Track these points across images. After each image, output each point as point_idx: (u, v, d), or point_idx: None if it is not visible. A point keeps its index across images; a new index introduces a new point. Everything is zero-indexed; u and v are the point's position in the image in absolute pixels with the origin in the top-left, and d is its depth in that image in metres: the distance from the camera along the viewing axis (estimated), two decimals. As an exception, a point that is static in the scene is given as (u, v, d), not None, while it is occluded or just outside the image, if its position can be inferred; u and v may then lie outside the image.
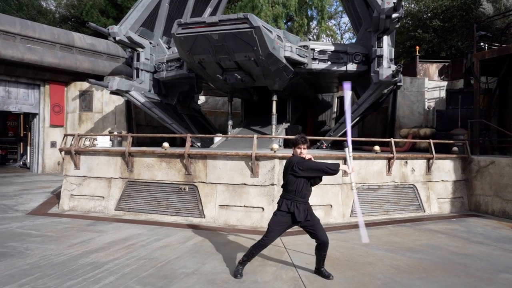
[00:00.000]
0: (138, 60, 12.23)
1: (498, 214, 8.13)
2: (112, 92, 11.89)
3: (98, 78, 14.47)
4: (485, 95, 11.39)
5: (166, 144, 7.98)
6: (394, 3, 8.96)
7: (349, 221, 7.39)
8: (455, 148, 9.07)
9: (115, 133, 11.72)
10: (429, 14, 19.50)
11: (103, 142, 10.56)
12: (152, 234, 6.18)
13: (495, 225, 7.37)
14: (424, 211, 8.23)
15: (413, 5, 21.16)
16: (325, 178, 7.30)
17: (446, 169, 8.70)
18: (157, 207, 7.59)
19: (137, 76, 12.19)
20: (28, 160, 16.82)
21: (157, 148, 8.28)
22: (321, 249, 4.21)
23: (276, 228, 4.15)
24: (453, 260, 5.07)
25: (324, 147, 11.46)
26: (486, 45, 11.10)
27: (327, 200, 7.26)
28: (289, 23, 27.59)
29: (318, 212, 7.18)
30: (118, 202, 7.91)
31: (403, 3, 9.35)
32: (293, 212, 4.08)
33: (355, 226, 7.06)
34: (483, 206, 8.48)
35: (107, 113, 15.27)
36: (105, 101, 15.24)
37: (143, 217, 7.49)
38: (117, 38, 11.33)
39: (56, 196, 9.33)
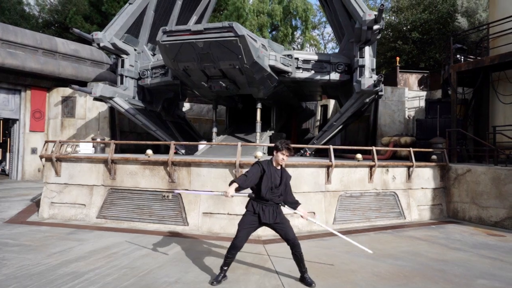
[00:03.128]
0: (122, 66, 12.16)
1: (475, 220, 8.39)
2: (96, 99, 11.76)
3: (81, 84, 14.28)
4: (462, 105, 11.81)
5: (149, 151, 7.94)
6: (375, 15, 9.25)
7: (332, 228, 7.47)
8: (434, 156, 9.34)
9: (98, 139, 11.56)
10: (408, 27, 20.15)
11: (85, 149, 10.40)
12: (134, 242, 6.10)
13: (472, 231, 7.60)
14: (405, 218, 8.41)
15: (393, 17, 21.83)
16: (309, 185, 7.44)
17: (425, 176, 8.94)
18: (140, 215, 7.51)
19: (121, 83, 12.11)
20: (7, 167, 16.35)
21: (140, 155, 8.22)
22: (295, 250, 4.26)
23: (244, 228, 4.19)
24: (432, 267, 5.20)
25: (307, 155, 11.60)
26: (462, 57, 11.56)
27: (310, 207, 7.34)
28: (274, 32, 27.94)
29: (301, 220, 7.26)
30: (100, 210, 7.79)
31: (383, 15, 9.65)
32: (258, 213, 4.16)
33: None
34: (461, 213, 8.74)
35: (90, 119, 15.05)
36: (88, 107, 15.02)
37: (126, 225, 7.39)
38: (101, 45, 11.26)
39: (36, 204, 9.10)
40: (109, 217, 7.67)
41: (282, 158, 4.17)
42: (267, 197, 4.14)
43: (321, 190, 7.56)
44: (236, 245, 4.18)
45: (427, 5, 19.57)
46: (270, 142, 11.89)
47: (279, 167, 4.26)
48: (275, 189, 4.19)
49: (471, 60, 11.14)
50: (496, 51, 10.32)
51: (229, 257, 4.27)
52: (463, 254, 5.87)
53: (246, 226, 4.20)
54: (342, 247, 6.17)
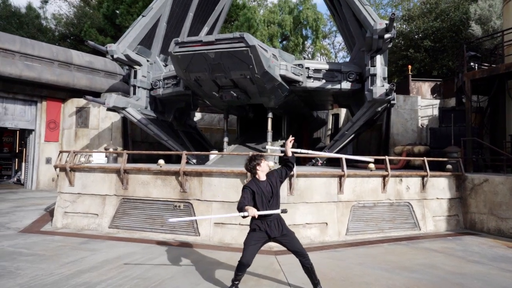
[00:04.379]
0: (135, 77, 12.35)
1: (494, 232, 8.13)
2: (109, 109, 11.95)
3: (95, 95, 14.55)
4: (477, 113, 11.58)
5: (161, 161, 7.98)
6: (386, 24, 9.22)
7: (345, 239, 7.36)
8: (449, 166, 9.14)
9: (111, 149, 11.71)
10: (420, 35, 20.01)
11: (98, 158, 10.54)
12: (146, 252, 6.10)
13: (491, 243, 7.36)
14: (420, 229, 8.22)
15: (404, 26, 21.72)
16: (321, 195, 7.35)
17: (440, 186, 8.75)
18: (152, 225, 7.52)
19: (134, 93, 12.29)
20: (23, 177, 16.66)
21: (152, 165, 8.27)
22: (304, 262, 4.17)
23: (251, 245, 4.11)
24: (450, 280, 5.04)
25: (319, 164, 11.50)
26: (476, 65, 11.38)
27: (323, 218, 7.24)
28: (284, 42, 28.10)
29: (313, 231, 7.18)
30: (112, 219, 7.83)
31: (395, 24, 9.60)
32: (265, 230, 4.09)
33: (351, 244, 7.04)
34: (479, 224, 8.50)
35: (103, 129, 15.28)
36: (102, 118, 15.26)
37: (137, 235, 7.40)
38: (115, 56, 11.48)
39: (50, 213, 9.22)
40: (121, 227, 7.70)
41: (261, 170, 4.17)
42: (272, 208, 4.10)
43: (333, 200, 7.46)
44: (243, 263, 4.11)
45: (439, 13, 19.43)
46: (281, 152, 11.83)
47: (264, 178, 4.21)
48: (271, 199, 4.15)
49: (486, 67, 10.96)
50: (511, 59, 10.14)
51: (239, 275, 4.22)
52: (482, 267, 5.68)
53: (253, 243, 4.12)
54: (356, 258, 6.05)
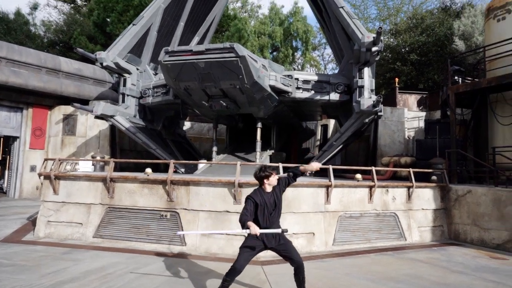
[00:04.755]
0: (124, 85, 12.30)
1: (477, 242, 8.26)
2: (97, 117, 11.84)
3: (83, 102, 14.41)
4: (461, 126, 11.84)
5: (148, 170, 7.92)
6: (373, 37, 9.43)
7: (331, 249, 7.37)
8: (434, 177, 9.29)
9: (98, 158, 11.56)
10: (407, 49, 20.49)
11: (85, 166, 10.39)
12: (130, 262, 6.01)
13: (474, 254, 7.47)
14: (406, 240, 8.29)
15: (392, 39, 22.22)
16: (308, 205, 7.37)
17: (426, 197, 8.87)
18: (137, 234, 7.41)
19: (123, 101, 12.22)
20: (5, 185, 16.27)
21: (139, 174, 8.20)
22: (298, 272, 4.17)
23: (246, 251, 4.10)
24: (434, 290, 5.09)
25: (307, 174, 11.53)
26: (460, 79, 11.68)
27: (310, 228, 7.26)
28: (274, 53, 28.43)
29: (300, 241, 7.18)
30: (97, 229, 7.70)
31: (382, 37, 9.83)
32: (262, 239, 4.09)
33: (338, 254, 7.06)
34: (462, 234, 8.62)
35: (91, 137, 15.10)
36: (89, 125, 15.09)
37: (122, 244, 7.29)
38: (104, 64, 11.43)
39: (32, 222, 9.00)
40: (106, 237, 7.57)
41: (268, 184, 4.16)
42: (268, 224, 4.10)
43: (320, 211, 7.49)
44: (236, 268, 4.08)
45: (424, 28, 19.96)
46: (270, 161, 11.87)
47: (270, 189, 4.20)
48: (273, 212, 4.16)
49: (469, 81, 11.26)
50: (493, 73, 10.45)
51: (228, 281, 4.18)
52: (465, 277, 5.76)
53: (249, 250, 4.11)
54: (342, 268, 6.06)
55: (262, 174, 4.16)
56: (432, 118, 14.05)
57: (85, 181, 8.03)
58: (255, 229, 3.80)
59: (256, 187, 4.30)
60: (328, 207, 7.57)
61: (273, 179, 4.17)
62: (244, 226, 3.89)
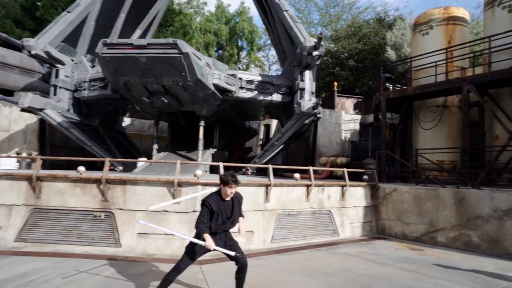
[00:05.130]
0: (56, 77, 11.41)
1: (400, 236, 9.07)
2: (24, 109, 10.84)
3: (7, 93, 13.07)
4: (391, 129, 12.87)
5: (81, 168, 7.46)
6: (315, 42, 9.85)
7: (270, 246, 7.59)
8: (365, 177, 10.00)
9: (24, 154, 10.60)
10: (345, 54, 21.73)
11: (7, 164, 9.49)
12: (58, 267, 5.62)
13: (396, 246, 8.20)
14: (339, 235, 8.82)
15: (332, 45, 23.38)
16: (248, 204, 7.50)
17: (357, 195, 9.52)
18: (67, 237, 6.95)
19: (55, 94, 11.33)
20: None
21: (71, 172, 7.69)
22: (241, 272, 4.25)
23: (193, 251, 4.09)
24: (360, 282, 5.49)
25: (249, 174, 11.73)
26: (391, 85, 12.70)
27: (249, 226, 7.39)
28: (220, 52, 28.31)
29: (239, 239, 7.24)
30: (19, 232, 7.06)
31: (323, 42, 10.30)
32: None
33: (276, 251, 7.29)
34: (388, 229, 9.40)
35: (16, 131, 13.74)
36: (14, 119, 13.72)
37: (50, 248, 6.78)
38: (32, 52, 10.50)
39: None
40: (30, 240, 6.99)
41: (231, 192, 4.12)
42: (219, 231, 4.11)
43: (259, 209, 7.67)
44: (180, 267, 4.08)
45: (361, 37, 21.31)
46: (213, 160, 11.86)
47: (229, 198, 4.19)
48: (227, 220, 4.17)
49: (398, 89, 12.29)
50: (418, 82, 11.51)
51: (168, 280, 4.14)
52: (388, 268, 6.29)
53: (195, 249, 4.07)
54: (279, 265, 6.28)
55: (229, 179, 4.05)
56: (366, 121, 15.07)
57: (6, 180, 7.32)
58: (210, 244, 3.84)
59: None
60: (267, 206, 7.78)
61: (228, 191, 4.09)
62: (200, 236, 3.91)
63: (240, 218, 4.40)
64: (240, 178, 4.48)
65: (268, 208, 7.78)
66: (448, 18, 11.64)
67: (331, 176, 11.99)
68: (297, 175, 8.70)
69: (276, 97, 11.36)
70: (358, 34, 21.61)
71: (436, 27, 11.71)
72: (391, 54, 18.52)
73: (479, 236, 7.64)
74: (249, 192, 7.57)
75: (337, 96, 17.61)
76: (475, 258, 7.10)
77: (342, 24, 26.09)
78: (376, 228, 9.70)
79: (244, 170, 11.71)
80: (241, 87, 11.14)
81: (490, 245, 7.46)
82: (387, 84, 12.85)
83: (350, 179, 9.33)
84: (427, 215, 8.56)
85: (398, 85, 13.46)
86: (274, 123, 17.95)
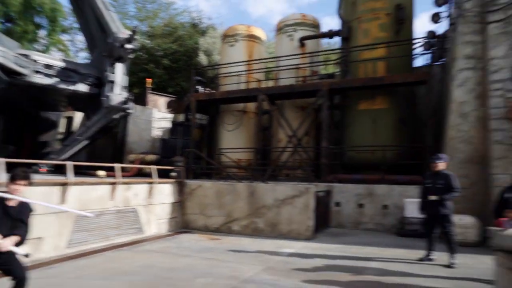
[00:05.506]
0: None
1: (202, 228, 9.87)
2: None
3: None
4: (200, 129, 13.82)
5: None
6: (129, 35, 9.50)
7: (65, 253, 6.81)
8: (173, 174, 10.36)
9: None
10: (160, 53, 21.81)
11: None
12: None
13: (198, 238, 8.88)
14: (144, 233, 8.79)
15: (148, 41, 23.00)
16: (38, 207, 6.50)
17: (165, 192, 9.75)
18: None
19: None
20: None
21: None
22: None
23: None
24: (162, 276, 5.66)
25: (43, 171, 10.11)
26: (202, 88, 13.65)
27: (36, 233, 6.38)
28: (9, 25, 23.06)
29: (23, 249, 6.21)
30: None
31: (137, 37, 10.05)
32: None
33: (72, 257, 6.61)
34: (192, 223, 10.07)
35: None
36: None
37: None
38: None
39: None
40: None
41: (17, 189, 3.53)
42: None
43: (52, 211, 6.75)
44: None
45: (177, 38, 21.89)
46: None
47: (15, 203, 3.58)
48: (2, 226, 3.47)
49: (207, 92, 13.33)
50: (224, 88, 12.86)
51: None
52: (189, 259, 6.74)
53: None
54: (74, 272, 5.75)
55: (15, 173, 3.50)
56: (177, 120, 15.58)
57: None
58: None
59: None
60: (64, 207, 6.94)
61: (18, 188, 3.53)
62: None
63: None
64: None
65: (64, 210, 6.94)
66: (250, 35, 13.52)
67: (141, 173, 11.80)
68: (101, 173, 8.16)
69: (82, 87, 10.35)
70: (174, 34, 22.09)
71: (240, 41, 13.39)
72: (203, 58, 19.86)
73: (264, 222, 9.21)
74: (40, 192, 6.57)
75: (150, 93, 17.45)
76: (260, 241, 8.52)
77: (159, 22, 25.95)
78: (182, 223, 10.19)
79: (37, 166, 10.01)
80: (37, 71, 9.52)
81: (270, 229, 9.12)
82: (198, 87, 13.73)
83: (160, 176, 9.46)
84: (226, 208, 9.66)
85: (208, 89, 14.58)
86: (78, 116, 16.07)
